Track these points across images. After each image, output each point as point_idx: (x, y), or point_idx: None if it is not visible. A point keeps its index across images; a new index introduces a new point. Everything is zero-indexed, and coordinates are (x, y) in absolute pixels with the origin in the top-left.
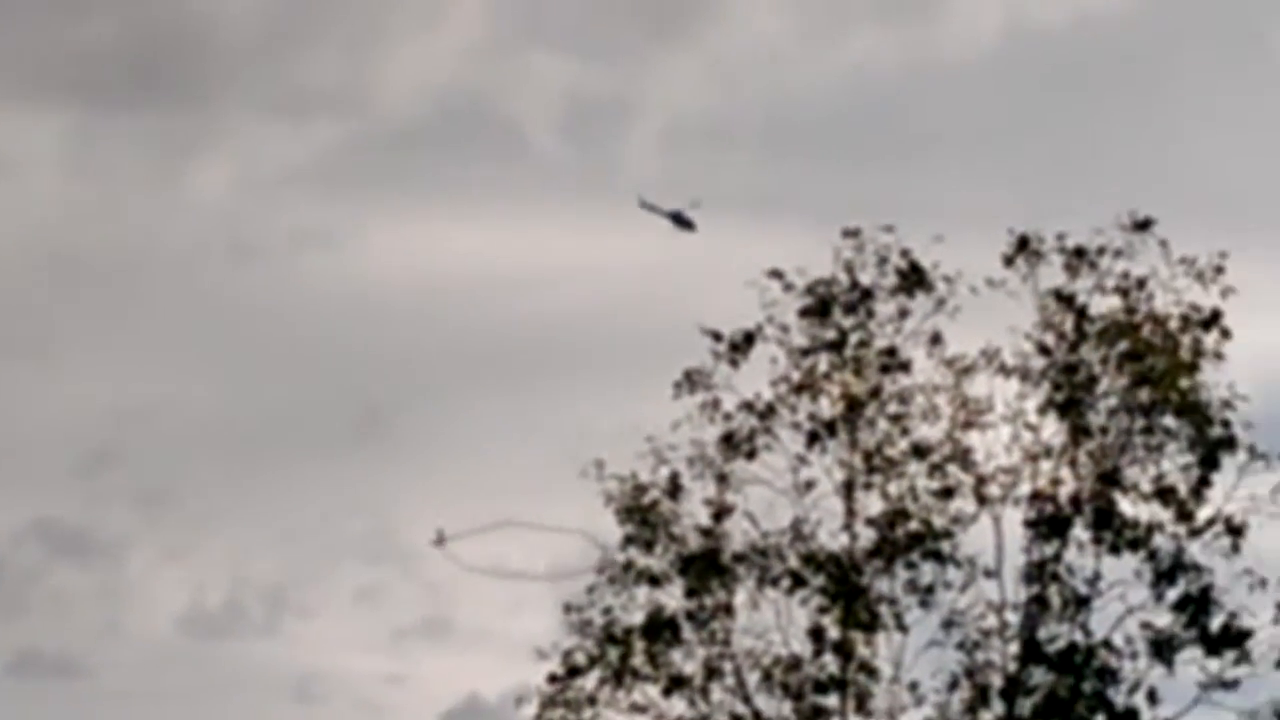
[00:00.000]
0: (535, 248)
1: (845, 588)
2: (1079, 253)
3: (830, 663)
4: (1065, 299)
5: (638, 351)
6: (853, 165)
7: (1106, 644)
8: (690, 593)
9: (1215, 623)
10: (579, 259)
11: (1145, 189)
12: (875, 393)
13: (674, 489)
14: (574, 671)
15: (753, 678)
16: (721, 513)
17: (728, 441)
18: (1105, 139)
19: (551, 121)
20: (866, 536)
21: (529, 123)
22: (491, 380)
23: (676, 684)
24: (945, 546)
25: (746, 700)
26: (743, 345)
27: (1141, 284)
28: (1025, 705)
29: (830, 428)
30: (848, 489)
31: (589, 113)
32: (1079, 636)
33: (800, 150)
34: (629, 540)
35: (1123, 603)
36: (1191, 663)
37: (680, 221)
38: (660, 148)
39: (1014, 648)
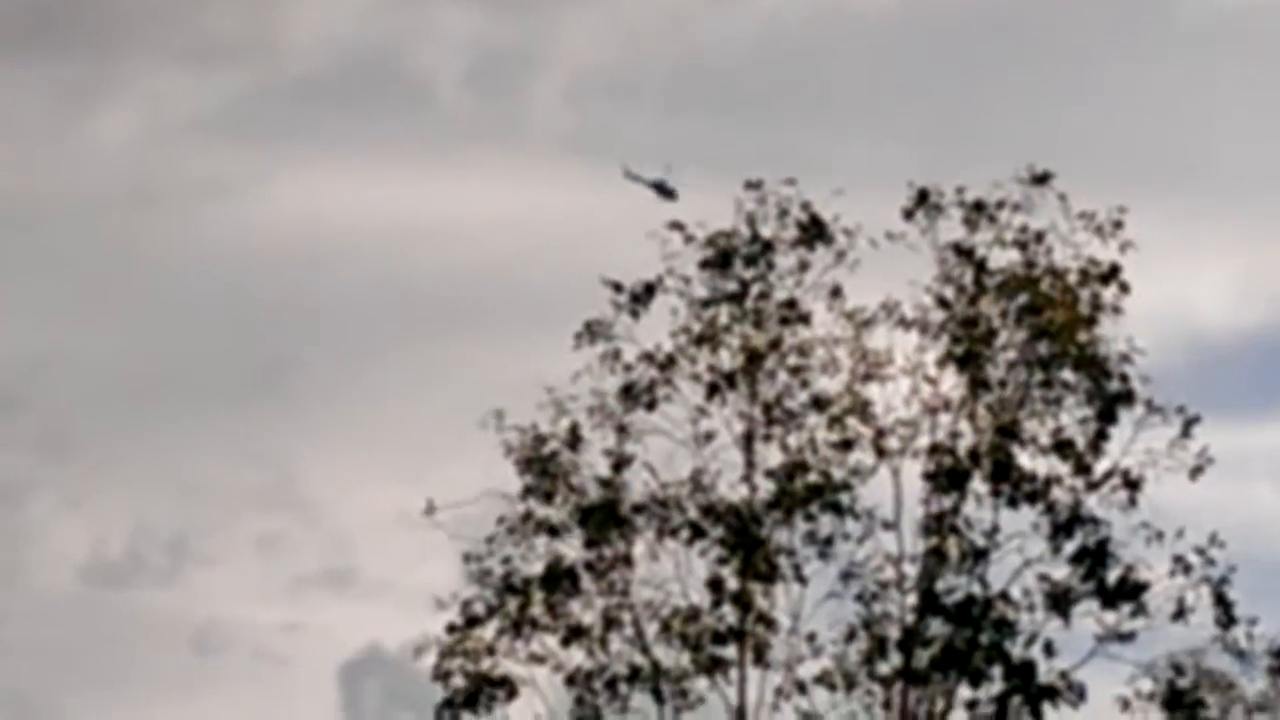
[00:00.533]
0: (438, 200)
1: (744, 539)
2: (978, 206)
3: (729, 614)
4: (964, 252)
5: (540, 303)
6: (756, 119)
7: (1004, 596)
8: (589, 543)
9: (1112, 576)
10: (482, 211)
11: (1044, 143)
12: (775, 345)
13: (574, 440)
14: (473, 621)
15: (651, 628)
16: (621, 464)
17: (628, 393)
18: (1005, 94)
19: (456, 74)
20: (766, 488)
21: (434, 75)
22: (394, 331)
23: (575, 634)
24: (844, 498)
25: (645, 651)
26: (643, 297)
27: (1040, 238)
28: (922, 657)
29: (730, 379)
30: (747, 441)
31: (494, 65)
32: (976, 589)
33: (704, 104)
34: (528, 491)
35: (1020, 555)
36: (1088, 615)
37: (663, 191)
38: (565, 101)
39: (912, 599)
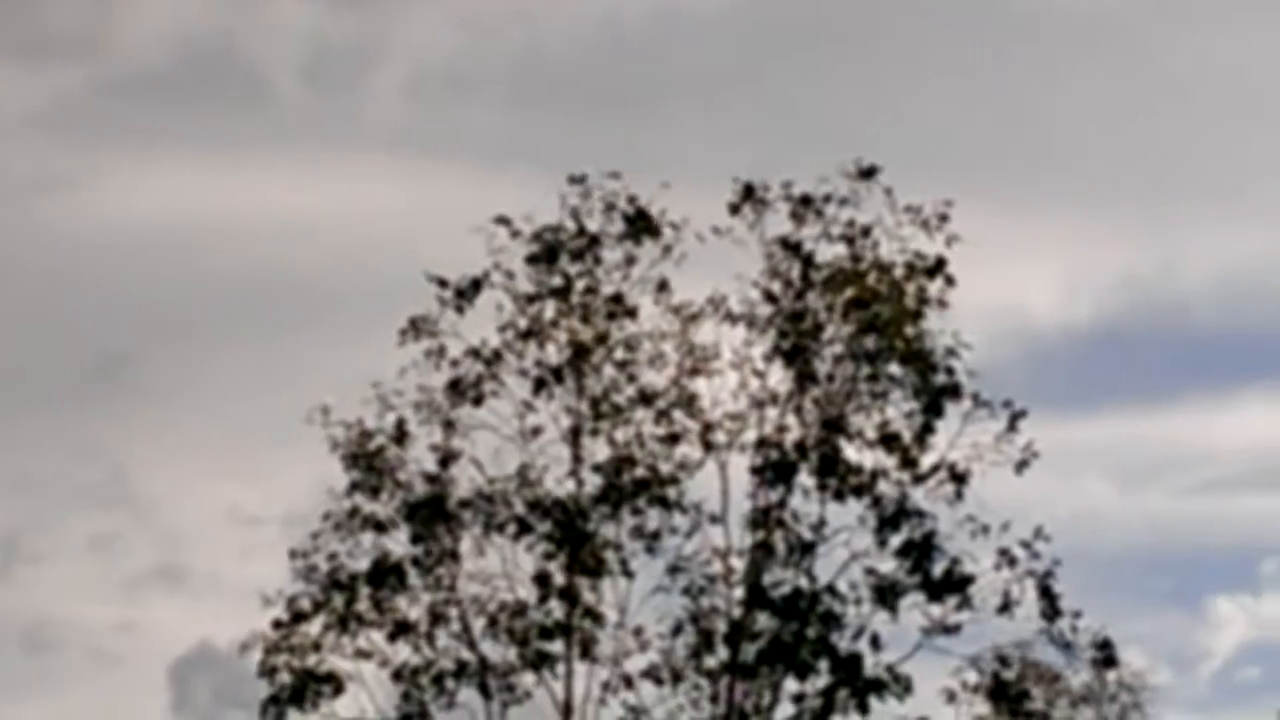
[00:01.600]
0: (274, 195)
1: (571, 534)
2: (805, 201)
3: (556, 608)
4: (791, 247)
5: (368, 299)
6: (589, 114)
7: (830, 590)
8: (416, 539)
9: (938, 569)
10: (316, 206)
11: (870, 138)
12: (602, 339)
13: (400, 435)
14: (299, 617)
15: (478, 623)
16: (448, 459)
17: (454, 388)
18: (831, 88)
19: (295, 67)
20: (593, 483)
21: (272, 68)
22: (227, 328)
23: (402, 629)
24: (671, 493)
25: (472, 646)
26: (469, 292)
27: (867, 232)
28: (749, 650)
29: (557, 374)
30: (574, 435)
31: (333, 58)
32: (803, 582)
33: (539, 99)
34: (354, 486)
35: (847, 549)
36: (914, 608)
37: None
38: (405, 95)
39: (739, 593)
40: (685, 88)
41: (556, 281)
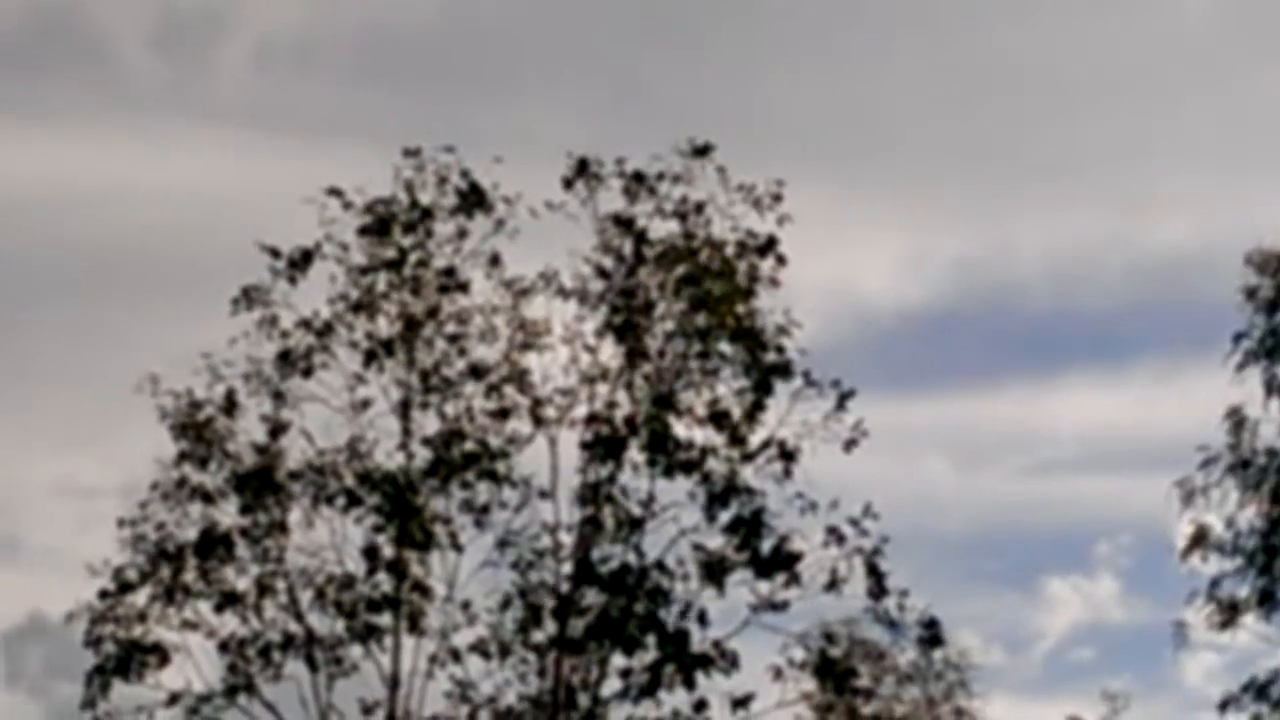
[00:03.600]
0: (112, 165)
1: (400, 507)
2: (638, 177)
3: (384, 581)
4: (624, 223)
5: (200, 269)
6: (429, 89)
7: (659, 565)
8: (244, 510)
9: (766, 546)
10: (153, 177)
11: (705, 116)
12: (433, 313)
13: (230, 406)
14: (126, 588)
15: (306, 595)
16: (277, 430)
17: (285, 359)
18: (666, 66)
19: (141, 35)
20: (422, 456)
21: (118, 36)
22: (61, 297)
23: (229, 601)
24: (501, 467)
25: (299, 618)
26: (301, 263)
27: (699, 209)
28: (577, 625)
29: (388, 347)
30: (404, 408)
31: (180, 27)
32: (632, 558)
33: (383, 73)
34: (183, 456)
35: (676, 525)
36: (742, 585)
37: None
38: (251, 67)
39: (567, 568)
40: (522, 64)
41: (389, 254)
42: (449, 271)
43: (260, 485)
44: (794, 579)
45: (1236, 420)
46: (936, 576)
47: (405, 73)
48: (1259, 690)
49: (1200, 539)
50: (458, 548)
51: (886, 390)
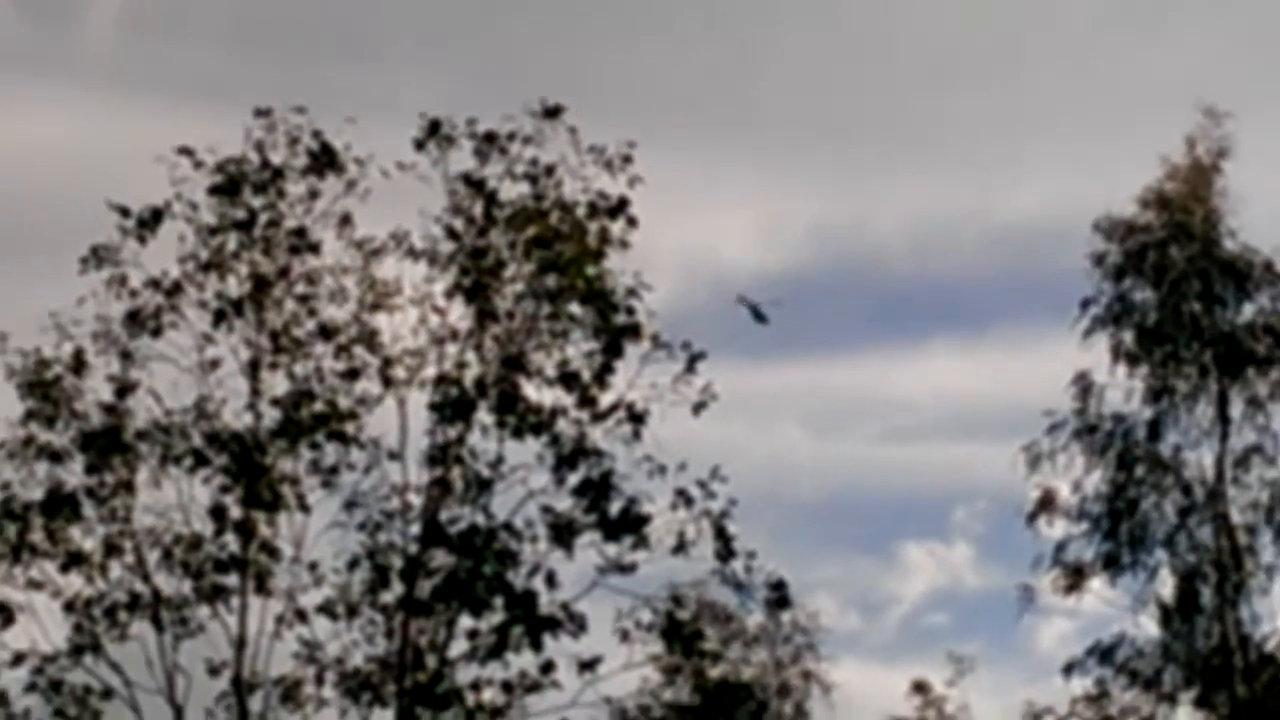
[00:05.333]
0: None
1: (248, 467)
2: (489, 138)
3: (231, 542)
4: (475, 184)
5: (57, 229)
6: (287, 51)
7: (507, 527)
8: (91, 469)
9: (615, 508)
10: (11, 136)
11: (555, 77)
12: (283, 273)
13: (78, 365)
14: None
15: (153, 555)
16: (125, 390)
17: (133, 318)
18: (519, 27)
19: None
20: (271, 416)
21: None
22: None
23: (75, 560)
24: (350, 428)
25: (146, 578)
26: (151, 222)
27: (550, 171)
28: (425, 587)
29: (237, 307)
30: (253, 368)
31: None
32: (480, 519)
33: (246, 36)
34: (30, 415)
35: (524, 486)
36: (590, 547)
37: (758, 315)
38: (117, 27)
39: (415, 529)
40: (376, 26)
41: (239, 214)
42: (299, 232)
43: (107, 445)
44: (642, 541)
45: (1084, 386)
46: (792, 542)
47: (268, 35)
48: (1103, 654)
49: (1047, 504)
50: (305, 508)
51: (744, 356)
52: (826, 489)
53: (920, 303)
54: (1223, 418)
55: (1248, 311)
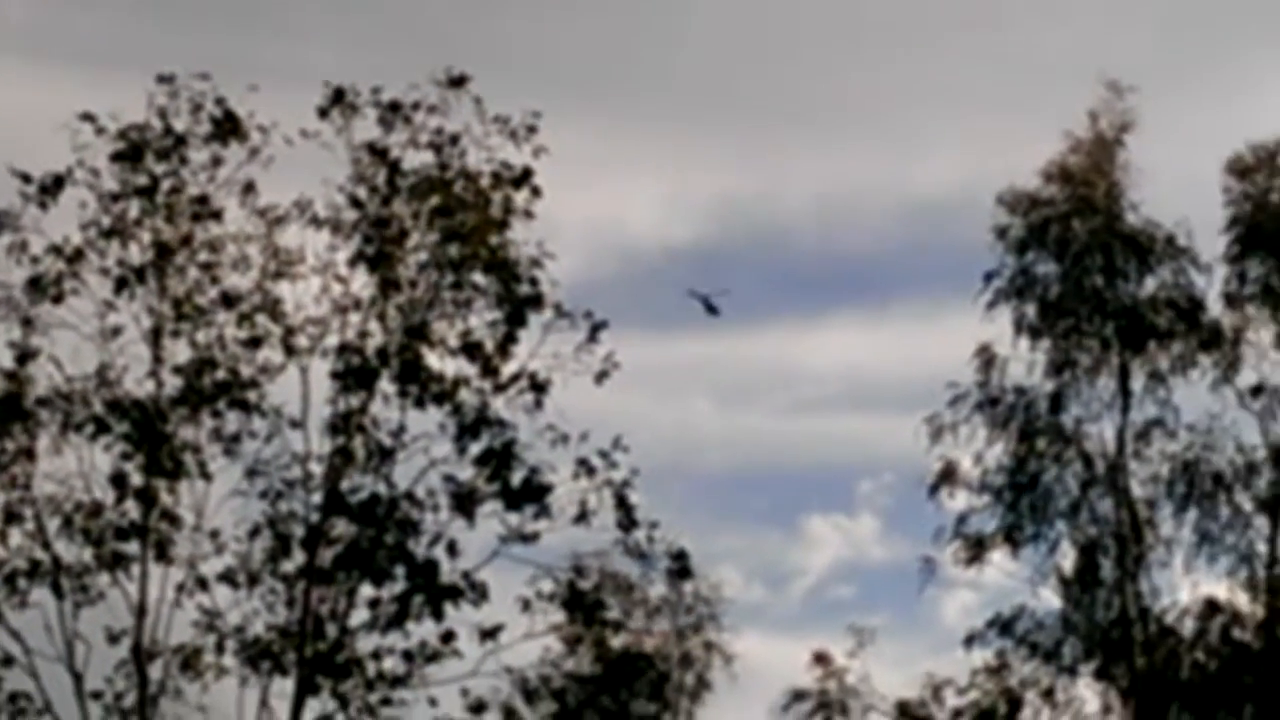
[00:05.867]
0: None
1: (149, 435)
2: (393, 107)
3: (132, 509)
4: (378, 153)
5: None
6: (193, 18)
7: (409, 496)
8: None
9: (516, 478)
10: None
11: (461, 46)
12: (186, 240)
13: None
14: None
15: (53, 523)
16: (26, 356)
17: (34, 285)
18: None
19: None
20: (173, 384)
21: None
22: None
23: None
24: (251, 396)
25: (46, 545)
26: (52, 188)
27: (455, 140)
28: (326, 555)
29: (139, 274)
30: (155, 336)
31: None
32: (382, 488)
33: (148, 3)
34: None
35: (426, 456)
36: (492, 516)
37: (709, 307)
38: None
39: (317, 498)
40: None
41: (141, 181)
42: (202, 199)
43: (7, 411)
44: (544, 511)
45: (986, 358)
46: (698, 513)
47: (171, 2)
48: (1004, 626)
49: (948, 476)
50: (207, 476)
51: (650, 327)
52: (732, 461)
53: (826, 275)
54: (1124, 391)
55: (1149, 285)
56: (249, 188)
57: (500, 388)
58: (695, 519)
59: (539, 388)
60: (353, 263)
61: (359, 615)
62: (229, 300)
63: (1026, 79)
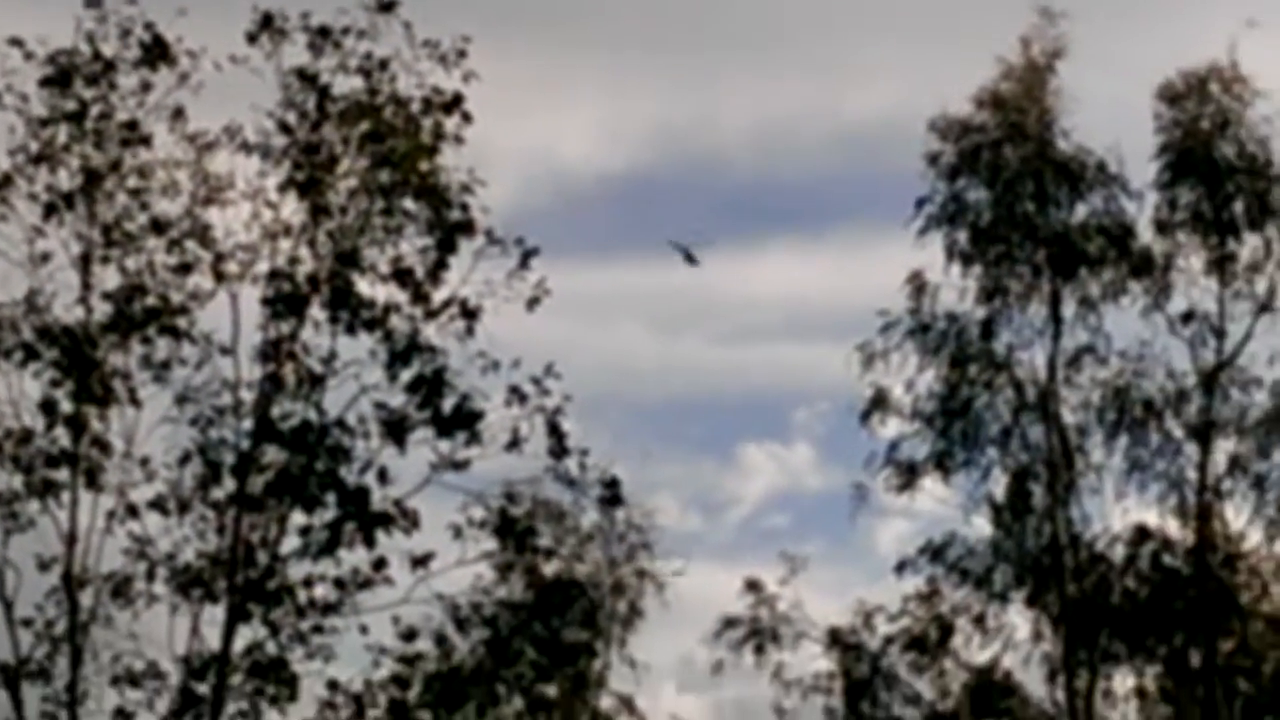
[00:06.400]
0: None
1: (79, 361)
2: (323, 32)
3: (62, 436)
4: (308, 79)
5: None
6: None
7: (340, 423)
8: None
9: (448, 405)
10: None
11: None
12: (115, 166)
13: None
14: None
15: None
16: None
17: None
18: None
19: None
20: (102, 310)
21: None
22: None
23: None
24: (182, 323)
25: None
26: None
27: (384, 66)
28: (257, 483)
29: (68, 200)
30: (85, 262)
31: None
32: (313, 415)
33: None
34: None
35: (357, 382)
36: (423, 443)
37: (689, 257)
38: None
39: (247, 425)
40: None
41: (70, 106)
42: (131, 125)
43: None
44: (475, 438)
45: (917, 285)
46: (634, 441)
47: None
48: (935, 553)
49: (880, 403)
50: (137, 403)
51: (586, 256)
52: (668, 389)
53: (762, 203)
54: (1055, 317)
55: (1081, 212)
56: (178, 113)
57: (431, 314)
58: (631, 447)
59: (470, 314)
60: (283, 189)
61: (290, 542)
62: (159, 226)
63: (960, 6)
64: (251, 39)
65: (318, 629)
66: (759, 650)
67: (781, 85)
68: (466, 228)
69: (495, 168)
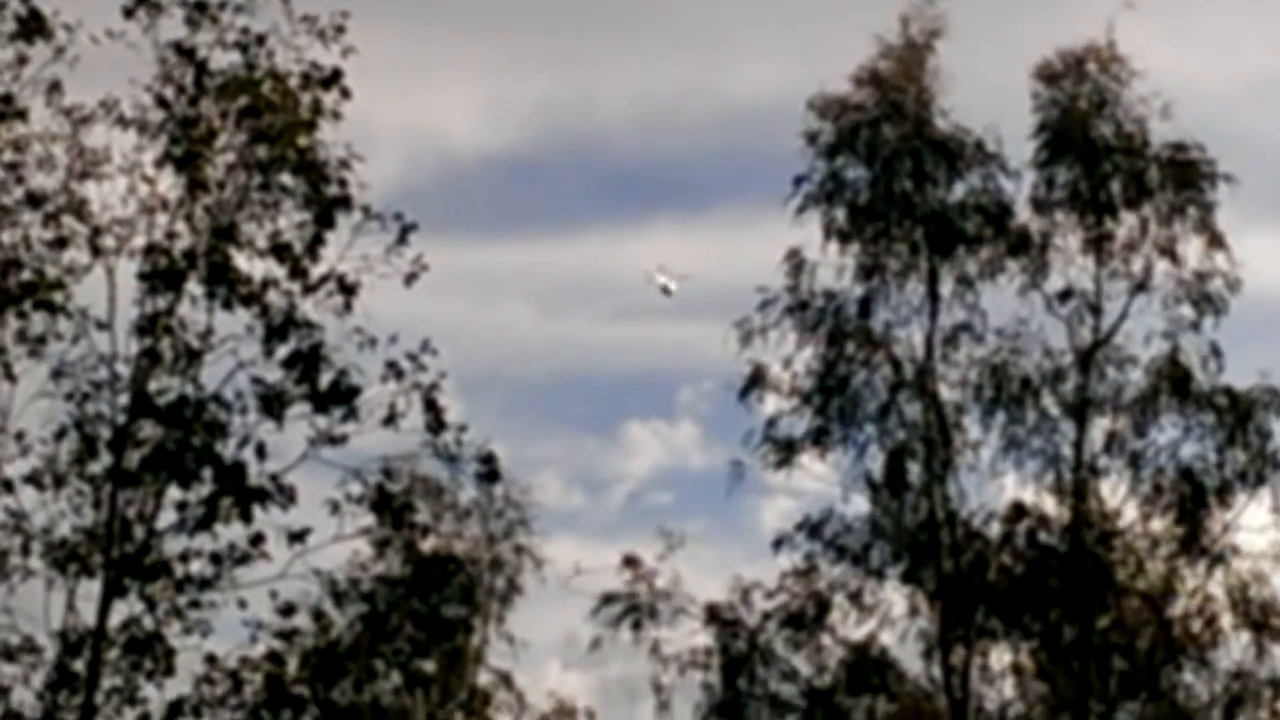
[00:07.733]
0: None
1: None
2: (200, 6)
3: None
4: (185, 53)
5: None
6: None
7: (216, 398)
8: None
9: (325, 380)
10: None
11: None
12: None
13: None
14: None
15: None
16: None
17: None
18: None
19: None
20: None
21: None
22: None
23: None
24: (57, 297)
25: None
26: None
27: (262, 40)
28: (133, 457)
29: None
30: None
31: None
32: (189, 390)
33: None
34: None
35: (234, 358)
36: (301, 419)
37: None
38: None
39: (124, 400)
40: None
41: None
42: (7, 99)
43: None
44: (352, 414)
45: (795, 263)
46: (518, 419)
47: None
48: (812, 529)
49: (758, 379)
50: (12, 378)
51: (469, 234)
52: (552, 367)
53: (644, 181)
54: (933, 295)
55: (958, 190)
56: (54, 87)
57: (309, 289)
58: (515, 425)
59: (348, 290)
60: (160, 163)
61: (166, 517)
62: (34, 200)
63: None
64: (128, 13)
65: (194, 604)
66: (636, 626)
67: (662, 64)
68: (344, 203)
69: (379, 146)
